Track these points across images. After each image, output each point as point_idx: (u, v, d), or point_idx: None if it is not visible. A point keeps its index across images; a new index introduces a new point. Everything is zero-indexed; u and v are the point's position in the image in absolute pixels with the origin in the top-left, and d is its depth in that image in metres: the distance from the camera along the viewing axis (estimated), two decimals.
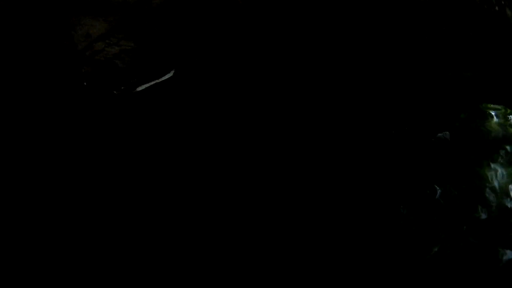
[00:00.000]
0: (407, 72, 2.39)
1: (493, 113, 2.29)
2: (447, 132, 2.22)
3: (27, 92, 2.16)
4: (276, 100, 2.29)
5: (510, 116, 2.29)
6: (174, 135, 2.16)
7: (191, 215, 1.91)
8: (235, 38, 2.28)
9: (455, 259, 1.78)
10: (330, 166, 2.08)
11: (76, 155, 2.07)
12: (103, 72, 2.21)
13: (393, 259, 1.79)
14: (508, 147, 2.16)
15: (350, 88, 2.36)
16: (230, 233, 1.88)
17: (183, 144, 2.13)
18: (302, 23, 2.31)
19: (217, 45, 2.29)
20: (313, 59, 2.37)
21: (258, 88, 2.32)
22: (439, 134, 2.21)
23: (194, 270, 1.73)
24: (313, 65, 2.38)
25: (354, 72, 2.39)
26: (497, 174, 2.06)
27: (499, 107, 2.31)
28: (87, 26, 2.19)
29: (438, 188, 2.01)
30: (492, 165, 2.09)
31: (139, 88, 2.20)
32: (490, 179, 2.04)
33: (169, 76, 2.26)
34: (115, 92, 2.21)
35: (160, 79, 2.25)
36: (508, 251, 1.80)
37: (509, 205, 1.96)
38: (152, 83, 2.23)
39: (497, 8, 2.15)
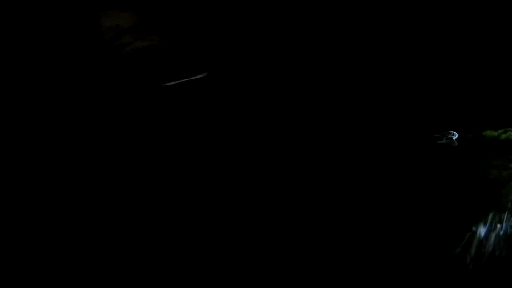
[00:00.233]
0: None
1: None
2: None
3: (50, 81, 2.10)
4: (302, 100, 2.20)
5: None
6: (195, 136, 2.09)
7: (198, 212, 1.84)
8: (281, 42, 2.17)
9: None
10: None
11: (93, 148, 2.01)
12: (130, 65, 2.13)
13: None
14: None
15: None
16: (230, 233, 1.79)
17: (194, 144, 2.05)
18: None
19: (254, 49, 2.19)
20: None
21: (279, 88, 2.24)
22: None
23: (194, 270, 1.67)
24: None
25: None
26: None
27: None
28: (115, 17, 2.10)
29: None
30: None
31: (168, 84, 2.11)
32: None
33: (201, 76, 2.16)
34: (140, 87, 2.13)
35: (191, 78, 2.15)
36: None
37: None
38: (182, 81, 2.14)
39: None
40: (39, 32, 2.07)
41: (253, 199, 1.86)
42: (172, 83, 2.08)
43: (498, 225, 1.66)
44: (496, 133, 2.13)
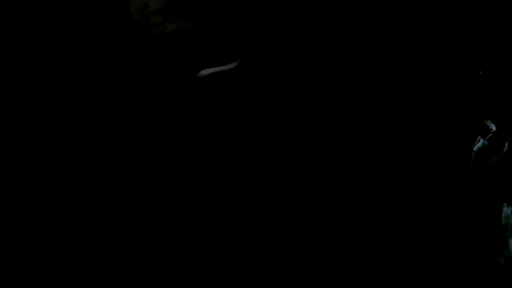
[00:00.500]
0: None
1: None
2: None
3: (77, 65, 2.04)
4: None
5: None
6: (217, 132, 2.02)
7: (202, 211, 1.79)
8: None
9: None
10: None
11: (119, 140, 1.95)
12: (157, 47, 2.07)
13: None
14: None
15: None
16: (230, 233, 1.75)
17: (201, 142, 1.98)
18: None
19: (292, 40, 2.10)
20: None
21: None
22: None
23: (194, 270, 1.64)
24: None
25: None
26: None
27: None
28: None
29: None
30: None
31: (202, 74, 2.03)
32: None
33: (232, 66, 2.10)
34: (165, 70, 2.07)
35: (223, 68, 2.08)
36: None
37: None
38: (214, 70, 2.06)
39: None
40: (64, 10, 2.01)
41: (264, 197, 1.82)
42: (206, 72, 2.01)
43: None
44: None
